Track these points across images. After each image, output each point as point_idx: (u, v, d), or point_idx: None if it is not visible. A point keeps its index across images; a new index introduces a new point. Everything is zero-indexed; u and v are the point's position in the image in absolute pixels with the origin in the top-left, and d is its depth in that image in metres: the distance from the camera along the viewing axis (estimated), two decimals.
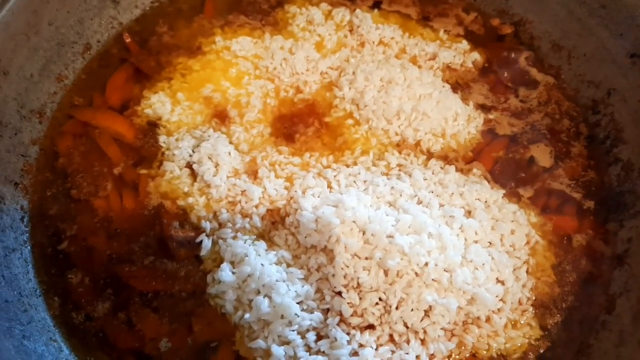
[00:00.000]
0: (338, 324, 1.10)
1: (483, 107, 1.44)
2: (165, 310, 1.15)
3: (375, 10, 1.59)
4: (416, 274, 1.12)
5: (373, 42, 1.52)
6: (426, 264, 1.12)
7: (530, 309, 1.17)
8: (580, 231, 1.28)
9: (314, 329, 1.11)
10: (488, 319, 1.13)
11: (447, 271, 1.13)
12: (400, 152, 1.35)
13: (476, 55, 1.51)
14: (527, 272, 1.20)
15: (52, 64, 1.39)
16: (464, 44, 1.53)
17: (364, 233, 1.16)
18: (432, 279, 1.11)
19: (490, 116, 1.42)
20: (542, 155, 1.37)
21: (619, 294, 1.19)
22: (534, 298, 1.18)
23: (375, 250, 1.14)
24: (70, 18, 1.41)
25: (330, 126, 1.40)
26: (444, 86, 1.44)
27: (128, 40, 1.51)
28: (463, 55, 1.51)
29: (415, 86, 1.39)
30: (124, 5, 1.53)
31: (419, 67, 1.48)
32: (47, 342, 1.08)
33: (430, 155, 1.36)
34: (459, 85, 1.48)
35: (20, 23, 1.28)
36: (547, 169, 1.36)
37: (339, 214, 1.17)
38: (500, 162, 1.36)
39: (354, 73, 1.43)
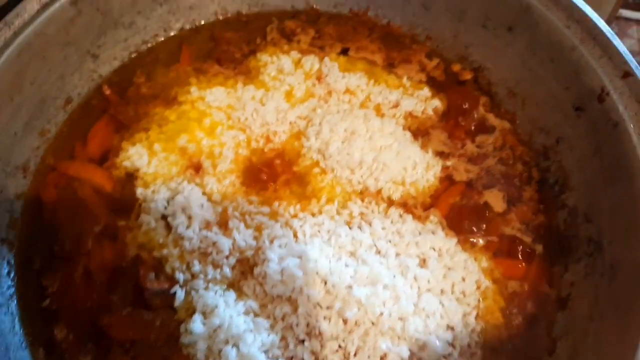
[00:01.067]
0: None
1: (441, 155, 1.53)
2: (142, 358, 1.24)
3: (343, 57, 1.68)
4: (372, 323, 1.22)
5: (339, 91, 1.60)
6: (381, 313, 1.22)
7: (479, 352, 1.27)
8: (528, 274, 1.37)
9: None
10: None
11: (400, 320, 1.22)
12: (362, 200, 1.44)
13: (437, 103, 1.60)
14: (476, 316, 1.30)
15: (35, 120, 1.47)
16: (425, 91, 1.62)
17: (325, 283, 1.26)
18: (387, 327, 1.21)
19: (448, 163, 1.51)
20: (496, 200, 1.47)
21: (559, 336, 1.29)
22: (482, 341, 1.28)
23: (335, 301, 1.24)
24: (52, 75, 1.49)
25: (298, 175, 1.49)
26: (405, 135, 1.53)
27: (107, 92, 1.60)
28: (424, 102, 1.60)
29: (377, 137, 1.48)
30: (103, 58, 1.61)
31: (382, 115, 1.57)
32: None
33: (390, 202, 1.45)
34: (420, 131, 1.57)
35: (4, 85, 1.35)
36: (500, 213, 1.45)
37: (302, 266, 1.27)
38: (456, 207, 1.45)
39: (320, 124, 1.52)
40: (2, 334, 1.22)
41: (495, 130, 1.56)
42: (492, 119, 1.58)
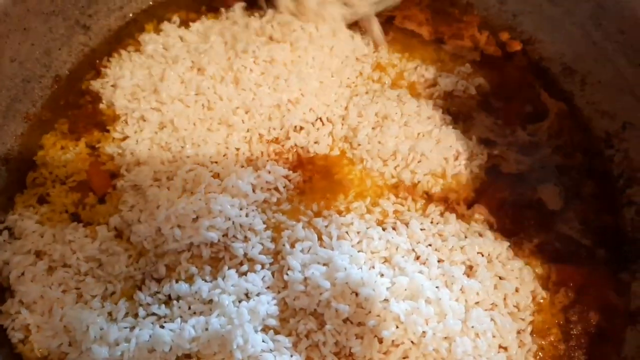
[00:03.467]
0: None
1: (487, 142, 1.32)
2: None
3: None
4: (413, 343, 1.04)
5: (369, 66, 1.39)
6: (424, 333, 1.04)
7: None
8: (589, 283, 1.18)
9: None
10: None
11: (446, 340, 1.05)
12: (396, 196, 1.25)
13: (480, 80, 1.39)
14: (531, 332, 1.12)
15: (18, 103, 1.28)
16: (467, 67, 1.41)
17: (356, 296, 1.08)
18: (431, 349, 1.04)
19: (495, 152, 1.31)
20: (551, 196, 1.27)
21: (631, 357, 1.11)
22: None
23: (369, 317, 1.06)
24: (36, 51, 1.29)
25: (320, 166, 1.29)
26: (444, 119, 1.33)
27: (102, 68, 1.39)
28: (466, 80, 1.39)
29: (413, 123, 1.28)
30: (95, 29, 1.40)
31: (418, 95, 1.36)
32: None
33: (429, 198, 1.26)
34: (461, 114, 1.36)
35: None
36: (555, 211, 1.25)
37: (329, 276, 1.09)
38: (505, 204, 1.25)
39: (346, 107, 1.32)
40: None
41: (549, 114, 1.34)
42: (545, 100, 1.37)
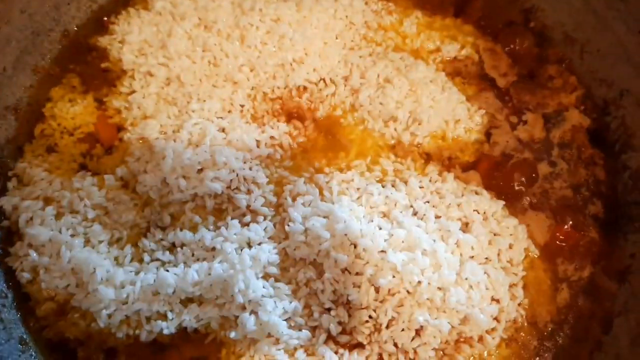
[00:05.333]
0: (326, 342, 1.08)
1: (487, 112, 1.34)
2: None
3: None
4: (408, 292, 1.08)
5: (373, 29, 1.41)
6: (419, 282, 1.07)
7: (526, 327, 1.14)
8: (581, 243, 1.22)
9: (302, 347, 1.08)
10: (481, 339, 1.10)
11: (440, 290, 1.08)
12: (396, 155, 1.28)
13: (483, 45, 1.41)
14: (523, 288, 1.16)
15: (27, 55, 1.30)
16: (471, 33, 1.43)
17: (355, 247, 1.12)
18: (425, 298, 1.07)
19: (499, 117, 1.34)
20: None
21: (617, 313, 1.15)
22: (529, 315, 1.15)
23: (367, 267, 1.10)
24: (45, 4, 1.31)
25: (322, 125, 1.32)
26: (447, 83, 1.35)
27: (108, 24, 1.41)
28: (470, 46, 1.41)
29: (415, 85, 1.30)
30: None
31: (421, 59, 1.38)
32: None
33: (428, 159, 1.29)
34: (464, 79, 1.38)
35: None
36: (550, 174, 1.29)
37: (329, 227, 1.12)
38: (501, 166, 1.29)
39: (349, 69, 1.34)
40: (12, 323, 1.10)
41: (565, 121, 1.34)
42: (550, 70, 1.39)
